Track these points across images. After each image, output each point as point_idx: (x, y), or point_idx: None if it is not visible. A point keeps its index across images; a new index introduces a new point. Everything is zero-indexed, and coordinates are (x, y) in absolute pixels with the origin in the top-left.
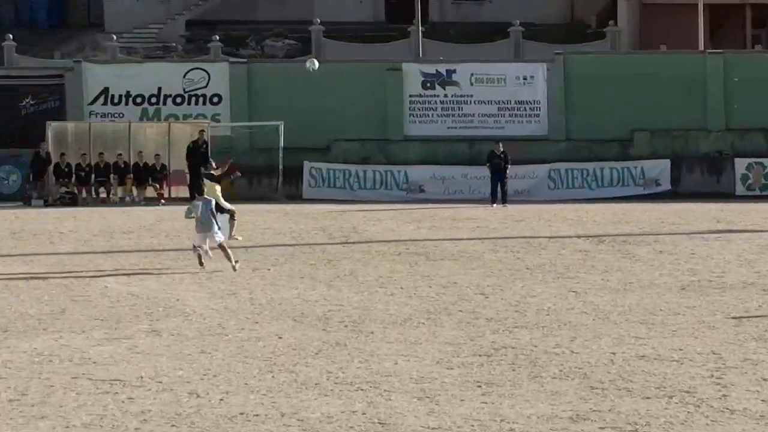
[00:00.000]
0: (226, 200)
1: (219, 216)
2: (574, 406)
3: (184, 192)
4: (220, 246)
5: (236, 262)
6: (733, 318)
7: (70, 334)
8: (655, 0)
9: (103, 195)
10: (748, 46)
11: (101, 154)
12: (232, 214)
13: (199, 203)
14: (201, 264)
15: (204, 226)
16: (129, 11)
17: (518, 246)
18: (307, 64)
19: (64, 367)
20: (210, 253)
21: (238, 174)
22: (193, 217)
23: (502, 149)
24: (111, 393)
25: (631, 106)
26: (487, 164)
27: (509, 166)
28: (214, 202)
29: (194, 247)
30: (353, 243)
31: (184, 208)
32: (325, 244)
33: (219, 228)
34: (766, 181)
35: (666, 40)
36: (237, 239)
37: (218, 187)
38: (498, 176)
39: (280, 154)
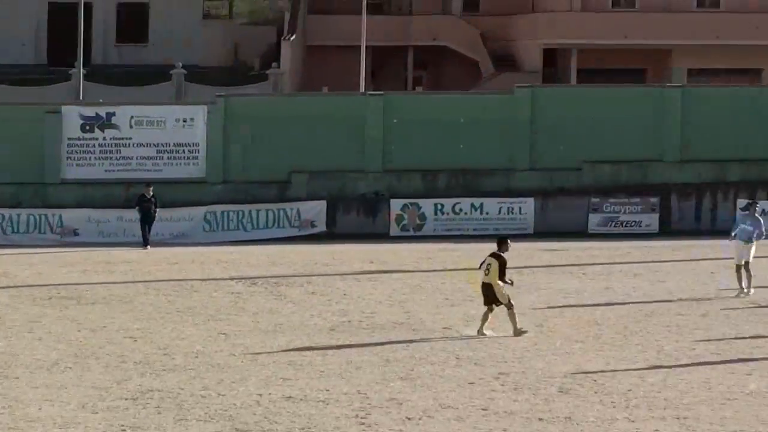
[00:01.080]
0: None
1: None
2: None
3: None
4: None
5: None
6: (381, 357)
7: None
8: (319, 42)
9: None
10: (410, 87)
11: None
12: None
13: None
14: None
15: None
16: None
17: (170, 289)
18: None
19: None
20: None
21: None
22: None
23: (152, 192)
24: None
25: (290, 147)
26: (137, 207)
27: (158, 209)
28: None
29: None
30: (2, 288)
31: None
32: None
33: None
34: (420, 222)
35: (329, 81)
36: None
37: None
38: (147, 219)
39: None
